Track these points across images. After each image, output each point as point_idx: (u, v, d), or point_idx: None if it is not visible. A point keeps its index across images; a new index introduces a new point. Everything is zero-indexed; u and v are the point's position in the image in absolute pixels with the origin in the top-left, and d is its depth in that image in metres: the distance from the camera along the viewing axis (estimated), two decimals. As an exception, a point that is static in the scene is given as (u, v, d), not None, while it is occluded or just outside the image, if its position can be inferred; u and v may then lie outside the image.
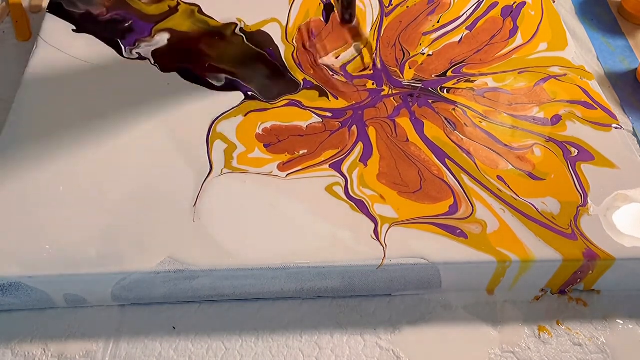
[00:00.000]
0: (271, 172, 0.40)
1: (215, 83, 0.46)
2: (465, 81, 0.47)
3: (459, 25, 0.52)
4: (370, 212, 0.38)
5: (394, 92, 0.46)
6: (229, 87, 0.46)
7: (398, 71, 0.48)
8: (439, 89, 0.47)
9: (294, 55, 0.48)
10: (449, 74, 0.48)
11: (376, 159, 0.41)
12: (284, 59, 0.48)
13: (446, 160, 0.41)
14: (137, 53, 0.48)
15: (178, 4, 0.52)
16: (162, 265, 0.35)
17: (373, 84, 0.47)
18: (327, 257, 0.36)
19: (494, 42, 0.51)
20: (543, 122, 0.45)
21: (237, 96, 0.45)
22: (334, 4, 0.49)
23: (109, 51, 0.48)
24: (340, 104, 0.45)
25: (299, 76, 0.47)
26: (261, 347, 0.36)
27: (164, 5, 0.51)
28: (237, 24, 0.50)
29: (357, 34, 0.49)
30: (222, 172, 0.40)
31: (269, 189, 0.39)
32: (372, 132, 0.43)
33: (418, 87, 0.47)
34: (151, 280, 0.36)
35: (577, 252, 0.37)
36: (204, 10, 0.51)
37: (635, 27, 0.57)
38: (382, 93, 0.46)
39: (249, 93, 0.45)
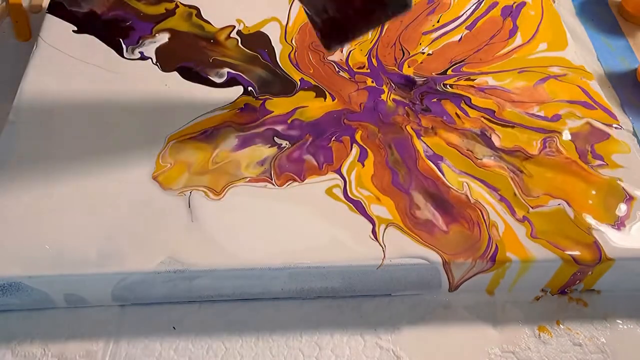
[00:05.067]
0: (265, 186, 0.40)
1: (216, 80, 0.46)
2: (466, 79, 0.47)
3: (458, 25, 0.52)
4: (368, 212, 0.38)
5: (393, 96, 0.46)
6: (229, 84, 0.46)
7: (396, 69, 0.48)
8: (442, 84, 0.47)
9: (292, 55, 0.48)
10: (449, 72, 0.48)
11: (370, 160, 0.41)
12: (278, 60, 0.48)
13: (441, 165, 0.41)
14: (139, 52, 0.48)
15: (176, 6, 0.52)
16: (162, 265, 0.35)
17: (372, 81, 0.47)
18: (327, 257, 0.36)
19: (494, 42, 0.51)
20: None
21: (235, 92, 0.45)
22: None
23: (109, 51, 0.48)
24: (336, 105, 0.45)
25: (296, 76, 0.47)
26: (261, 347, 0.36)
27: (160, 7, 0.51)
28: (234, 27, 0.50)
29: None
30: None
31: (268, 190, 0.39)
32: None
33: (416, 80, 0.47)
34: (151, 280, 0.36)
35: (577, 252, 0.37)
36: (203, 11, 0.51)
37: (635, 27, 0.57)
38: (382, 95, 0.46)
39: (249, 89, 0.45)
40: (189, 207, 0.38)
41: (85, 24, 0.50)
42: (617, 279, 0.38)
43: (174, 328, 0.37)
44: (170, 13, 0.51)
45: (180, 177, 0.39)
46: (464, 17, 0.53)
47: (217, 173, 0.40)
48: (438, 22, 0.52)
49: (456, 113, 0.44)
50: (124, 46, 0.48)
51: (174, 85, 0.46)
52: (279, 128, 0.43)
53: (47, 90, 0.44)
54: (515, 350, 0.37)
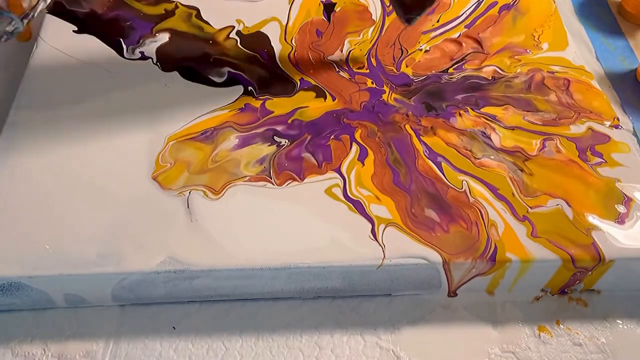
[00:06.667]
0: (265, 185, 0.40)
1: (216, 79, 0.46)
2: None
3: (458, 24, 0.52)
4: (367, 212, 0.38)
5: (394, 95, 0.46)
6: (229, 83, 0.46)
7: (394, 69, 0.48)
8: (442, 79, 0.47)
9: (291, 55, 0.48)
10: (451, 70, 0.48)
11: (370, 159, 0.41)
12: (278, 60, 0.48)
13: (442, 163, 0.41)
14: (139, 52, 0.48)
15: (176, 7, 0.52)
16: (162, 265, 0.35)
17: (372, 82, 0.47)
18: (327, 257, 0.36)
19: (494, 42, 0.51)
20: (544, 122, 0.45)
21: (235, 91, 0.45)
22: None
23: (110, 51, 0.48)
24: (337, 105, 0.45)
25: (296, 76, 0.47)
26: (261, 347, 0.36)
27: (159, 8, 0.51)
28: (233, 27, 0.50)
29: None
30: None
31: (268, 189, 0.39)
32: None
33: (415, 80, 0.47)
34: (151, 280, 0.36)
35: (577, 252, 0.37)
36: (203, 11, 0.51)
37: (635, 27, 0.57)
38: (383, 95, 0.46)
39: (250, 88, 0.45)
40: (188, 207, 0.38)
41: (86, 24, 0.50)
42: (617, 279, 0.38)
43: (174, 328, 0.37)
44: (170, 14, 0.51)
45: (179, 177, 0.39)
46: (464, 16, 0.53)
47: (217, 172, 0.40)
48: (438, 21, 0.52)
49: (459, 113, 0.44)
50: (124, 46, 0.48)
51: (174, 85, 0.46)
52: (279, 128, 0.43)
53: (47, 90, 0.44)
54: (515, 350, 0.37)
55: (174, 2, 0.52)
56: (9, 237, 0.36)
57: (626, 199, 0.39)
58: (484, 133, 0.43)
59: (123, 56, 0.47)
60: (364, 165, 0.41)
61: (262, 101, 0.45)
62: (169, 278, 0.36)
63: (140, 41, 0.48)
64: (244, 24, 0.51)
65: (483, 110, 0.45)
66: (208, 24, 0.51)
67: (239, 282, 0.37)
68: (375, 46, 0.50)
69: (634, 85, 0.51)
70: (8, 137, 0.41)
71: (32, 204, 0.38)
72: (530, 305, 0.39)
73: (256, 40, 0.49)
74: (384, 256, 0.36)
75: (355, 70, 0.48)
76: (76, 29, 0.49)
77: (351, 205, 0.38)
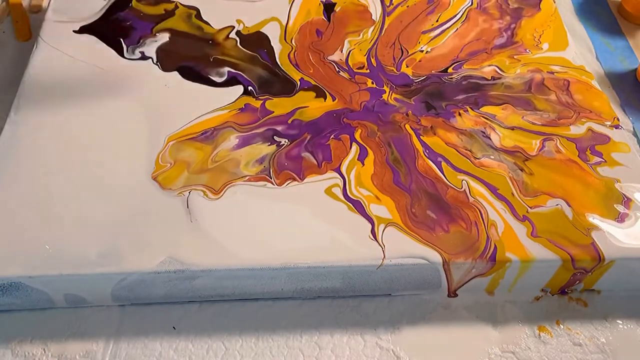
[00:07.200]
0: (265, 185, 0.40)
1: (216, 79, 0.46)
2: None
3: (456, 22, 0.52)
4: (367, 212, 0.38)
5: (394, 95, 0.46)
6: (229, 83, 0.46)
7: (394, 69, 0.48)
8: (443, 79, 0.47)
9: (291, 55, 0.48)
10: (450, 70, 0.48)
11: (371, 158, 0.41)
12: (278, 60, 0.48)
13: (442, 163, 0.41)
14: (140, 52, 0.48)
15: (176, 7, 0.52)
16: (162, 265, 0.35)
17: (372, 82, 0.47)
18: (327, 257, 0.36)
19: (494, 42, 0.51)
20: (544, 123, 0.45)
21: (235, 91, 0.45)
22: None
23: (110, 51, 0.48)
24: (337, 105, 0.45)
25: (296, 76, 0.47)
26: (261, 347, 0.36)
27: (159, 8, 0.51)
28: (233, 27, 0.50)
29: None
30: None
31: (268, 189, 0.39)
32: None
33: (415, 80, 0.47)
34: (151, 280, 0.36)
35: (577, 252, 0.37)
36: (203, 11, 0.51)
37: (635, 27, 0.57)
38: (383, 95, 0.46)
39: (250, 88, 0.45)
40: (187, 207, 0.38)
41: (86, 24, 0.50)
42: (617, 279, 0.38)
43: (174, 328, 0.37)
44: (170, 14, 0.51)
45: (179, 177, 0.39)
46: (460, 13, 0.53)
47: (216, 172, 0.40)
48: (437, 21, 0.52)
49: (458, 112, 0.44)
50: (124, 46, 0.48)
51: (174, 85, 0.46)
52: (278, 128, 0.43)
53: (47, 89, 0.44)
54: (515, 350, 0.37)
55: (174, 2, 0.52)
56: (9, 237, 0.36)
57: (626, 199, 0.39)
58: (484, 133, 0.43)
59: (123, 56, 0.47)
60: (364, 165, 0.41)
61: (262, 101, 0.45)
62: (169, 278, 0.36)
63: (140, 41, 0.48)
64: (244, 24, 0.51)
65: (482, 109, 0.45)
66: (208, 24, 0.51)
67: (239, 282, 0.37)
68: (375, 46, 0.50)
69: (634, 85, 0.51)
70: (8, 137, 0.41)
71: (32, 203, 0.38)
72: (530, 305, 0.39)
73: (256, 40, 0.49)
74: (384, 256, 0.36)
75: (355, 70, 0.48)
76: (76, 28, 0.49)
77: (351, 205, 0.39)
